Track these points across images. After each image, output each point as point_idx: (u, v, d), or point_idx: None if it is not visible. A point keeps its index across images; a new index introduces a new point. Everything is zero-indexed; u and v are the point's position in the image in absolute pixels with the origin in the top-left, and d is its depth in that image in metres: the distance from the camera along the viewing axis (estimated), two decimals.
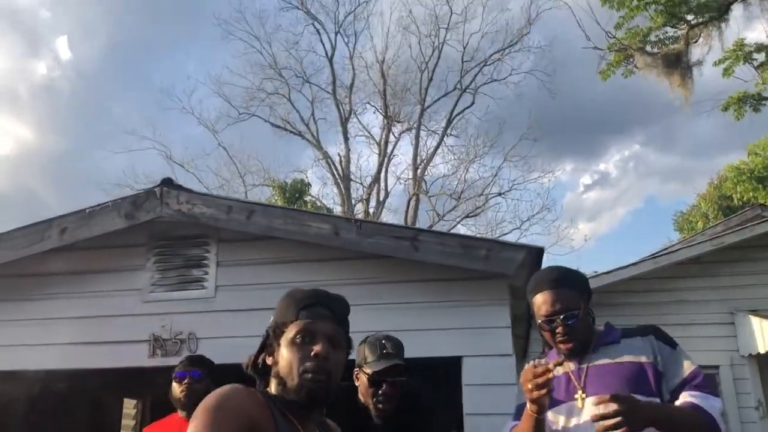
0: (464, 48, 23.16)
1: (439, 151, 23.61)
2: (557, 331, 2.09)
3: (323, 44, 24.30)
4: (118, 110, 34.01)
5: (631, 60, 9.88)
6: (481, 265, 3.79)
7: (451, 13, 23.28)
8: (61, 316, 4.20)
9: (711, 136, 38.85)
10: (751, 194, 18.51)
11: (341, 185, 23.12)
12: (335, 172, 23.39)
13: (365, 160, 36.76)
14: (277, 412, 1.46)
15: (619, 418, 1.77)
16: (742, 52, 9.55)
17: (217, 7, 41.72)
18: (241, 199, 5.51)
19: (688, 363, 2.05)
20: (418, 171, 23.16)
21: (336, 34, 24.28)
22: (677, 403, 1.98)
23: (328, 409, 1.60)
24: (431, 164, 23.62)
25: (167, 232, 4.30)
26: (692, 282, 7.70)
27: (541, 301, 2.13)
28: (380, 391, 2.58)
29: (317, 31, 24.28)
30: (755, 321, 7.02)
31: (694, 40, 9.51)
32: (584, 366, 2.11)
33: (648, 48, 9.69)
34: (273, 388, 1.54)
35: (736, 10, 9.75)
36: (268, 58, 23.97)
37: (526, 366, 1.98)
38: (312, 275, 3.99)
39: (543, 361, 2.04)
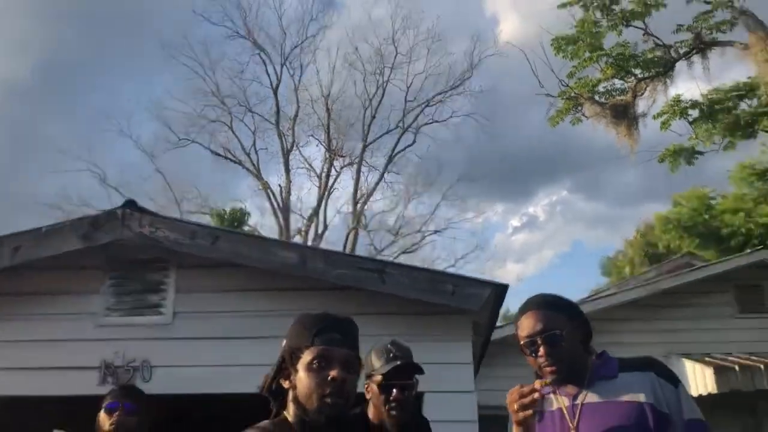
0: (408, 88, 23.80)
1: (379, 186, 23.94)
2: (539, 354, 1.95)
3: (268, 75, 24.40)
4: (52, 130, 32.86)
5: (579, 108, 10.36)
6: (448, 300, 3.83)
7: (396, 53, 23.88)
8: (6, 339, 3.99)
9: (635, 185, 40.61)
10: (677, 242, 19.38)
11: (280, 216, 22.98)
12: (275, 203, 23.28)
13: (306, 193, 36.79)
14: None
15: None
16: (678, 108, 10.14)
17: (161, 29, 41.10)
18: (206, 225, 5.41)
19: (693, 408, 1.93)
20: (358, 205, 23.31)
21: (282, 66, 24.44)
22: None
23: None
24: (371, 199, 23.86)
25: (125, 255, 4.16)
26: (628, 325, 7.95)
27: (525, 324, 2.01)
28: (391, 398, 2.48)
29: (263, 61, 24.40)
30: (688, 364, 7.29)
31: (640, 93, 10.06)
32: (578, 403, 1.96)
33: (596, 98, 10.20)
34: (291, 410, 1.61)
35: (680, 67, 10.38)
36: (211, 85, 23.86)
37: (514, 387, 1.89)
38: (275, 304, 3.95)
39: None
